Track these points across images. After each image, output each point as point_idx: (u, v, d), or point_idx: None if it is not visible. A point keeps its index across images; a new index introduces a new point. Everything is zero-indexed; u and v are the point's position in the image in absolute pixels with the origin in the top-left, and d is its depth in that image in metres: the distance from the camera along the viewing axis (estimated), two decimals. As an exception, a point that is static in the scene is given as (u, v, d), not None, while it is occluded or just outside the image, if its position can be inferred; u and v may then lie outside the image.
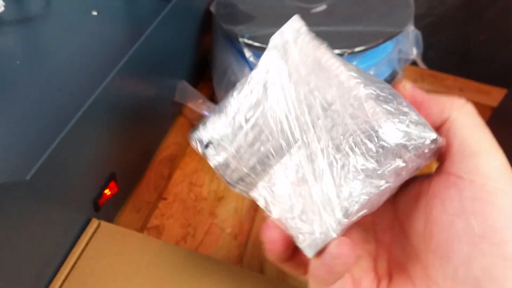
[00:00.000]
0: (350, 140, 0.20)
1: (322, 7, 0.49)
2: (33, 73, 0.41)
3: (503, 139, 0.46)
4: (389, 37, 0.43)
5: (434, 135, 0.20)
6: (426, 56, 0.87)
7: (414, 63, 0.69)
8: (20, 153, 0.30)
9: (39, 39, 0.46)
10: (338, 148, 0.21)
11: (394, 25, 0.45)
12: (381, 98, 0.20)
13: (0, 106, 0.37)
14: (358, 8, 0.49)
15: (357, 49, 0.42)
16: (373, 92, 0.20)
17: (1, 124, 0.34)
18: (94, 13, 0.50)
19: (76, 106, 0.32)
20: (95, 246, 0.36)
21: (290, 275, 0.41)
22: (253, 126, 0.23)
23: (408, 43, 0.46)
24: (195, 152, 0.52)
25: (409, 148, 0.20)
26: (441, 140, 0.21)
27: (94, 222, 0.37)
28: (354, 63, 0.44)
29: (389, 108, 0.20)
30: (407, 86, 0.23)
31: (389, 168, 0.20)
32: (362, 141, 0.20)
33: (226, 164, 0.24)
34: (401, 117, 0.20)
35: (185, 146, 0.52)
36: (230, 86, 0.46)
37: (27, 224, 0.29)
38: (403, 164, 0.20)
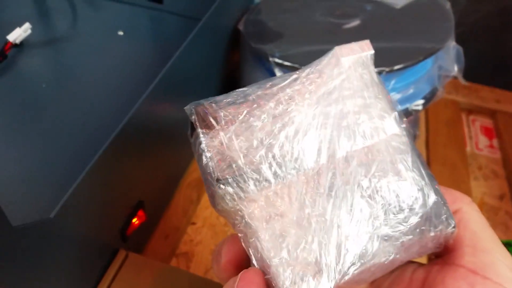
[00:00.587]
0: (382, 196, 0.19)
1: (355, 23, 0.47)
2: (58, 97, 0.41)
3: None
4: (429, 53, 0.41)
5: (454, 223, 0.20)
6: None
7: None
8: (44, 190, 0.28)
9: (65, 61, 0.46)
10: (365, 197, 0.19)
11: (433, 41, 0.43)
12: (420, 158, 0.20)
13: (22, 137, 0.36)
14: (394, 24, 0.46)
15: (396, 67, 0.40)
16: (414, 147, 0.20)
17: (25, 159, 0.33)
18: (120, 33, 0.49)
19: (102, 134, 0.31)
20: (122, 279, 0.35)
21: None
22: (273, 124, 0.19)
23: (449, 59, 0.43)
24: (223, 174, 0.51)
25: (432, 223, 0.19)
26: (455, 233, 0.20)
27: (122, 253, 0.36)
28: (393, 81, 0.41)
29: (425, 172, 0.20)
30: None
31: (407, 238, 0.19)
32: (394, 199, 0.19)
33: (225, 156, 0.19)
34: (435, 186, 0.20)
35: (214, 168, 0.50)
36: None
37: (52, 260, 0.28)
38: (420, 238, 0.19)
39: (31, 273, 0.26)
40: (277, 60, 0.43)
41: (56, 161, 0.32)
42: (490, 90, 0.67)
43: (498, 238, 0.21)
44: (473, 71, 0.83)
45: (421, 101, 0.44)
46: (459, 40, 0.79)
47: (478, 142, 0.59)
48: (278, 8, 0.52)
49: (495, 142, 0.60)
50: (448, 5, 0.47)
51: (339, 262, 0.18)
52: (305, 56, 0.43)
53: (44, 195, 0.28)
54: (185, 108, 0.21)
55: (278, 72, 0.43)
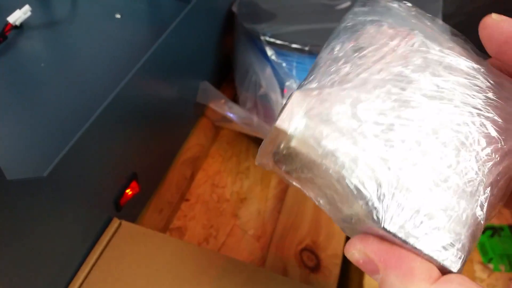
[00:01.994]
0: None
1: (346, 4, 0.48)
2: (56, 75, 0.42)
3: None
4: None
5: None
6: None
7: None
8: (39, 151, 0.30)
9: (64, 42, 0.47)
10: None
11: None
12: None
13: (21, 106, 0.37)
14: (383, 4, 0.47)
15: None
16: None
17: (22, 123, 0.35)
18: (118, 16, 0.51)
19: (96, 105, 0.32)
20: (115, 246, 0.36)
21: (313, 279, 0.39)
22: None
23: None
24: (218, 154, 0.52)
25: None
26: None
27: (115, 222, 0.37)
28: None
29: None
30: (494, 15, 0.19)
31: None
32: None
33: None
34: None
35: (208, 147, 0.52)
36: (252, 86, 0.45)
37: (45, 221, 0.29)
38: None
39: (24, 231, 0.27)
40: (268, 39, 0.44)
41: (52, 126, 0.34)
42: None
43: None
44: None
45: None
46: (457, 30, 0.80)
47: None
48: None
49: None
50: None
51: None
52: (296, 34, 0.44)
53: (39, 156, 0.30)
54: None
55: (269, 51, 0.44)
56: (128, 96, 0.35)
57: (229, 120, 0.48)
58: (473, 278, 0.45)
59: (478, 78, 0.19)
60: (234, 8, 0.50)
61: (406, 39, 0.19)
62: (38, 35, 0.48)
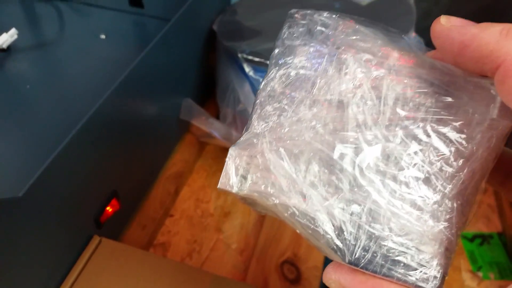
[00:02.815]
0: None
1: (323, 20, 0.49)
2: (40, 96, 0.43)
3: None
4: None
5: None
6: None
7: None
8: (14, 171, 0.31)
9: (49, 63, 0.49)
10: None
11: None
12: None
13: (1, 126, 0.38)
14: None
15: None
16: None
17: (0, 144, 0.36)
18: (103, 36, 0.52)
19: (74, 124, 0.33)
20: (96, 262, 0.37)
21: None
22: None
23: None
24: (203, 169, 0.53)
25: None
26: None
27: (96, 239, 0.38)
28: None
29: None
30: (444, 20, 0.17)
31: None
32: None
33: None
34: None
35: (193, 163, 0.53)
36: (231, 101, 0.46)
37: (23, 240, 0.30)
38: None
39: (1, 250, 0.28)
40: (246, 56, 0.45)
41: (30, 146, 0.35)
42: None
43: None
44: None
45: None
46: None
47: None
48: (251, 9, 0.54)
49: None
50: (411, 0, 0.49)
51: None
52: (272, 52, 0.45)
53: (15, 176, 0.31)
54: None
55: (247, 68, 0.45)
56: (106, 114, 0.36)
57: (212, 136, 0.49)
58: (462, 286, 0.45)
59: (422, 84, 0.18)
60: (215, 27, 0.51)
61: (333, 62, 0.19)
62: (24, 57, 0.49)
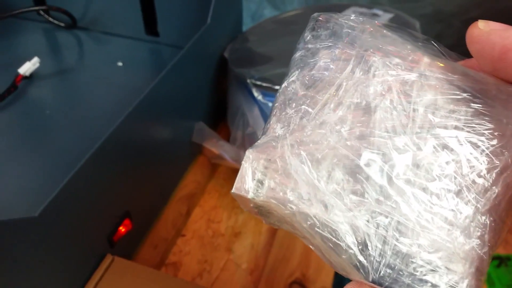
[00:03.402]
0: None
1: (330, 45, 0.51)
2: (59, 120, 0.46)
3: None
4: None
5: None
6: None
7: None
8: (31, 192, 0.33)
9: (69, 90, 0.51)
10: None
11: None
12: None
13: (21, 150, 0.40)
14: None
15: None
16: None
17: (21, 166, 0.38)
18: (120, 64, 0.55)
19: (88, 147, 0.35)
20: (108, 280, 0.38)
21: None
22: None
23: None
24: (214, 190, 0.54)
25: None
26: None
27: (108, 258, 0.39)
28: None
29: None
30: (481, 24, 0.17)
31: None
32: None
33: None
34: None
35: (205, 184, 0.54)
36: (241, 124, 0.48)
37: (38, 258, 0.31)
38: None
39: (15, 270, 0.30)
40: (254, 81, 0.47)
41: (48, 168, 0.37)
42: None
43: None
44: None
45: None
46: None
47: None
48: (262, 36, 0.56)
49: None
50: (417, 25, 0.50)
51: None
52: (280, 77, 0.47)
53: (32, 196, 0.32)
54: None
55: (256, 93, 0.47)
56: (120, 138, 0.38)
57: (222, 158, 0.50)
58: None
59: (454, 91, 0.17)
60: (226, 54, 0.53)
61: (360, 64, 0.18)
62: (45, 84, 0.52)
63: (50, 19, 0.60)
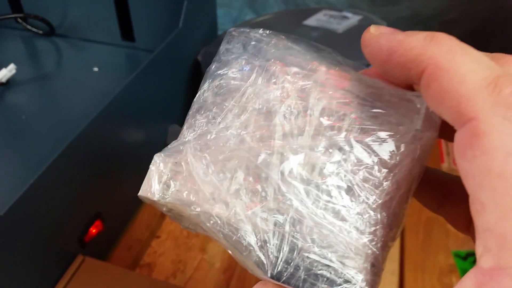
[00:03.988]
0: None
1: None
2: (33, 124, 0.46)
3: None
4: (360, 69, 0.45)
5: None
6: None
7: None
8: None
9: (45, 96, 0.52)
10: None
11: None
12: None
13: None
14: (335, 46, 0.51)
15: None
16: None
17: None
18: (95, 69, 0.56)
19: (57, 148, 0.36)
20: (79, 281, 0.39)
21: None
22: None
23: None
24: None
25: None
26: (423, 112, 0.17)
27: (79, 258, 0.40)
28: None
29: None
30: (372, 29, 0.18)
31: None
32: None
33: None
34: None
35: (180, 186, 0.55)
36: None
37: (6, 258, 0.32)
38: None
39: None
40: (225, 83, 0.47)
41: (16, 170, 0.37)
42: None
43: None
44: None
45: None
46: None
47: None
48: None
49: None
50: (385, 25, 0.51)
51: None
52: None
53: (1, 198, 0.33)
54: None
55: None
56: (89, 140, 0.39)
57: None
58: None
59: (346, 96, 0.18)
60: (200, 57, 0.54)
61: (263, 73, 0.19)
62: (22, 90, 0.53)
63: (28, 26, 0.61)
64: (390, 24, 0.61)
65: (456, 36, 0.15)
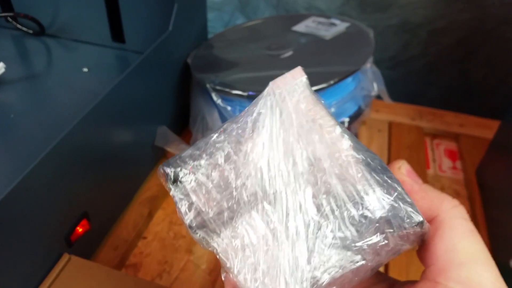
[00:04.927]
0: (332, 202, 0.19)
1: (289, 53, 0.53)
2: (21, 123, 0.46)
3: (499, 171, 0.46)
4: (346, 75, 0.46)
5: (420, 218, 0.19)
6: (426, 95, 0.88)
7: (411, 101, 0.70)
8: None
9: (33, 95, 0.52)
10: (318, 209, 0.19)
11: (352, 64, 0.48)
12: (372, 166, 0.20)
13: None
14: (322, 52, 0.52)
15: (316, 87, 0.45)
16: (364, 158, 0.20)
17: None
18: (85, 69, 0.56)
19: (44, 148, 0.36)
20: (64, 279, 0.39)
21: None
22: (231, 167, 0.21)
23: (368, 79, 0.48)
24: (178, 193, 0.55)
25: (393, 225, 0.19)
26: (427, 227, 0.20)
27: (65, 257, 0.40)
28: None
29: (378, 178, 0.19)
30: (403, 167, 0.22)
31: (369, 243, 0.19)
32: (345, 205, 0.19)
33: (191, 204, 0.21)
34: (390, 190, 0.19)
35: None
36: (201, 129, 0.49)
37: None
38: (384, 242, 0.19)
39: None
40: (213, 86, 0.48)
41: (4, 169, 0.38)
42: (454, 115, 0.68)
43: (480, 245, 0.19)
44: (442, 98, 0.88)
45: (346, 119, 0.48)
46: (426, 70, 0.84)
47: (442, 164, 0.61)
48: (225, 44, 0.58)
49: (458, 163, 0.61)
50: (371, 33, 0.53)
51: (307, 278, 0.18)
52: (238, 82, 0.48)
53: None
54: (158, 171, 0.23)
55: (215, 97, 0.48)
56: (76, 140, 0.39)
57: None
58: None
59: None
60: (189, 60, 0.54)
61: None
62: (11, 88, 0.53)
63: (19, 26, 0.61)
64: (379, 32, 0.62)
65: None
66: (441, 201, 0.20)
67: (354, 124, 0.51)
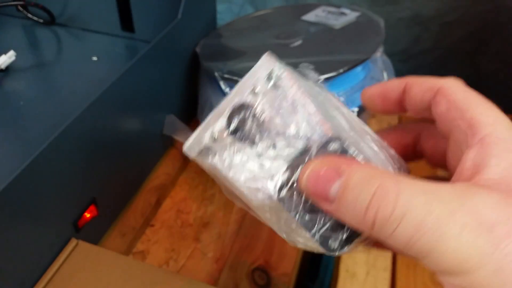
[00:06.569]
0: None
1: (298, 42, 0.52)
2: (31, 110, 0.47)
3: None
4: (355, 63, 0.45)
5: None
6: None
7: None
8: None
9: (43, 83, 0.52)
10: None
11: (362, 53, 0.47)
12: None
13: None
14: (331, 41, 0.52)
15: (324, 76, 0.45)
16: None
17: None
18: (94, 58, 0.56)
19: (53, 134, 0.36)
20: (72, 264, 0.39)
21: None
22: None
23: (378, 69, 0.48)
24: (185, 182, 0.55)
25: None
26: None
27: (73, 242, 0.40)
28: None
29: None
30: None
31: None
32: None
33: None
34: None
35: (176, 176, 0.55)
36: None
37: (1, 237, 0.33)
38: None
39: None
40: (222, 74, 0.48)
41: (11, 153, 0.38)
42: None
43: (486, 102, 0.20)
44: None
45: (355, 109, 0.48)
46: (438, 63, 0.83)
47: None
48: (234, 32, 0.58)
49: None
50: (382, 23, 0.52)
51: None
52: (247, 70, 0.48)
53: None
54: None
55: (223, 85, 0.48)
56: (84, 126, 0.39)
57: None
58: None
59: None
60: (198, 49, 0.54)
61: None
62: (21, 76, 0.53)
63: (29, 15, 0.61)
64: (390, 25, 0.61)
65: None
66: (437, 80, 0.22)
67: (363, 115, 0.51)
